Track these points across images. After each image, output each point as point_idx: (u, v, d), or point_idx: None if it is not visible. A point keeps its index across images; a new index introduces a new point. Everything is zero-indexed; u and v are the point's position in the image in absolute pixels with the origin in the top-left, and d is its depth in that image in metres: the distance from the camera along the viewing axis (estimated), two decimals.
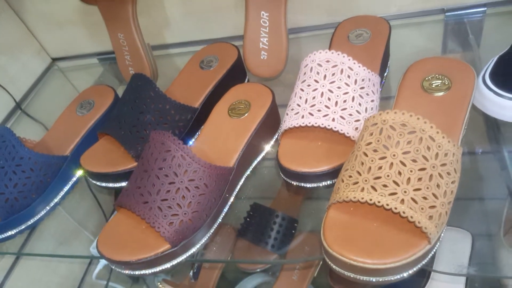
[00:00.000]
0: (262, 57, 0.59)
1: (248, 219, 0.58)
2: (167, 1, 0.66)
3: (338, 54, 0.44)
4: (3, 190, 0.49)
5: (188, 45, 0.72)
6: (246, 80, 0.61)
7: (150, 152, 0.43)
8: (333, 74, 0.44)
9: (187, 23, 0.69)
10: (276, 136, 0.52)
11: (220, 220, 0.46)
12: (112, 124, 0.52)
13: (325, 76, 0.44)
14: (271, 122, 0.51)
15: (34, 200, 0.52)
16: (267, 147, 0.51)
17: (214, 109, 0.52)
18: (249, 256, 0.59)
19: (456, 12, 0.59)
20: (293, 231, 0.58)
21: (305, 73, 0.46)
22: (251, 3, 0.57)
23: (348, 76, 0.44)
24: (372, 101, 0.45)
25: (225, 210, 0.47)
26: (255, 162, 0.51)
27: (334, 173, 0.43)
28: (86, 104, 0.58)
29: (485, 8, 0.58)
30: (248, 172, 0.50)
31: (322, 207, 0.49)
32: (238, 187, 0.48)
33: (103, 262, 0.63)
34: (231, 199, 0.48)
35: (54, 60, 0.81)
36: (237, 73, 0.59)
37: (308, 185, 0.44)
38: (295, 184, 0.45)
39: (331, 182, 0.44)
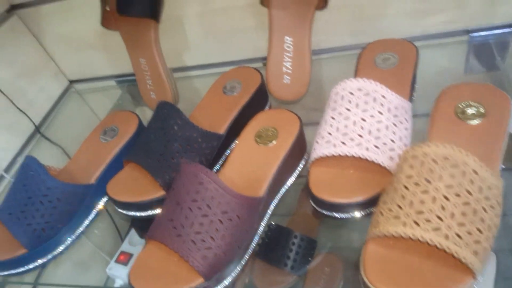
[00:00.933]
0: (285, 81, 0.59)
1: (265, 239, 0.58)
2: (187, 24, 0.67)
3: (371, 83, 0.44)
4: (30, 221, 0.49)
5: (208, 67, 0.72)
6: (268, 103, 0.60)
7: (182, 184, 0.43)
8: (366, 103, 0.44)
9: (207, 46, 0.69)
10: (302, 164, 0.52)
11: (251, 251, 0.46)
12: (139, 152, 0.52)
13: (357, 105, 0.44)
14: (299, 149, 0.50)
15: (60, 230, 0.51)
16: (294, 175, 0.51)
17: (241, 136, 0.51)
18: (268, 277, 0.58)
19: (480, 33, 0.58)
20: (313, 252, 0.57)
21: (335, 101, 0.46)
22: (275, 29, 0.57)
23: (381, 104, 0.44)
24: (406, 129, 0.44)
25: (256, 239, 0.46)
26: (283, 191, 0.50)
27: (368, 204, 0.42)
28: (110, 131, 0.58)
29: (511, 29, 0.58)
30: (276, 201, 0.49)
31: (341, 225, 0.49)
32: (268, 216, 0.48)
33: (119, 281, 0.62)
34: (261, 229, 0.47)
35: (72, 82, 0.81)
36: (260, 98, 0.58)
37: (341, 215, 0.43)
38: (325, 213, 0.45)
39: (364, 213, 0.43)
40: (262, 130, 0.51)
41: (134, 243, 0.52)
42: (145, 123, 0.69)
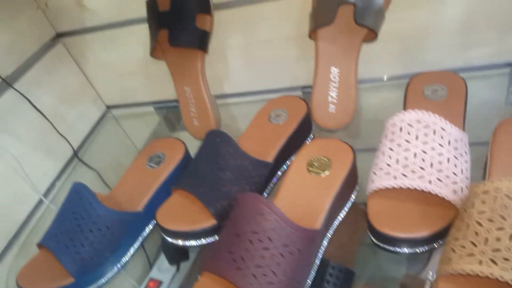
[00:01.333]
0: (330, 110, 0.59)
1: None
2: (229, 54, 0.68)
3: (429, 115, 0.44)
4: (79, 249, 0.48)
5: (247, 95, 0.73)
6: (312, 132, 0.60)
7: (241, 214, 0.42)
8: (426, 135, 0.44)
9: (246, 74, 0.70)
10: (354, 195, 0.51)
11: (309, 285, 0.44)
12: (189, 179, 0.52)
13: (417, 137, 0.44)
14: (352, 180, 0.50)
15: (108, 258, 0.50)
16: (347, 207, 0.50)
17: (292, 165, 0.51)
18: None
19: None
20: (350, 284, 0.56)
21: (393, 132, 0.45)
22: (321, 60, 0.57)
23: (441, 137, 0.44)
24: (466, 161, 0.44)
25: (313, 273, 0.45)
26: (336, 223, 0.49)
27: (433, 239, 0.41)
28: (156, 158, 0.58)
29: None
30: (331, 232, 0.48)
31: (378, 253, 0.48)
32: (323, 250, 0.47)
33: None
34: (317, 262, 0.46)
35: (109, 107, 0.83)
36: (305, 126, 0.58)
37: (404, 251, 0.42)
38: (387, 248, 0.44)
39: (428, 248, 0.42)
40: (314, 159, 0.51)
41: (163, 270, 0.51)
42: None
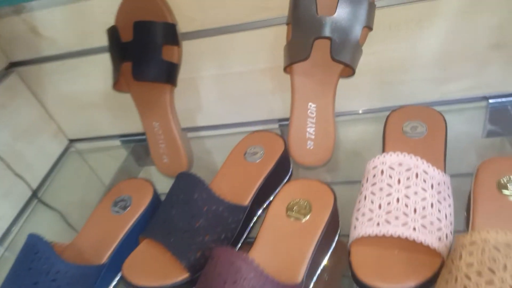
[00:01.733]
0: (308, 147, 0.57)
1: None
2: (201, 85, 0.65)
3: (411, 157, 0.42)
4: None
5: (221, 127, 0.70)
6: (291, 170, 0.58)
7: (217, 273, 0.39)
8: (408, 178, 0.42)
9: (220, 106, 0.67)
10: (335, 241, 0.49)
11: None
12: (159, 228, 0.47)
13: (399, 180, 0.42)
14: (335, 224, 0.47)
15: None
16: (328, 255, 0.48)
17: (270, 210, 0.48)
18: None
19: (499, 100, 0.59)
20: None
21: (374, 175, 0.43)
22: (297, 95, 0.55)
23: (424, 181, 0.42)
24: (450, 206, 0.42)
25: None
26: (318, 273, 0.46)
27: None
28: (121, 202, 0.53)
29: None
30: (311, 285, 0.45)
31: None
32: None
33: None
34: None
35: (72, 141, 0.77)
36: (283, 164, 0.56)
37: None
38: None
39: None
40: (293, 203, 0.48)
41: None
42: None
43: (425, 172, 0.42)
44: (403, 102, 0.62)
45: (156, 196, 0.54)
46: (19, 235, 0.63)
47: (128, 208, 0.52)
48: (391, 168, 0.43)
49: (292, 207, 0.47)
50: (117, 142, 0.75)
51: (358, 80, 0.59)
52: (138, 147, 0.73)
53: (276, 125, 0.69)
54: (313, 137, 0.57)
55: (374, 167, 0.44)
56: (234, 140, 0.71)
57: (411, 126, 0.52)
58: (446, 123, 0.52)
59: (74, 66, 0.65)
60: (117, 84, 0.58)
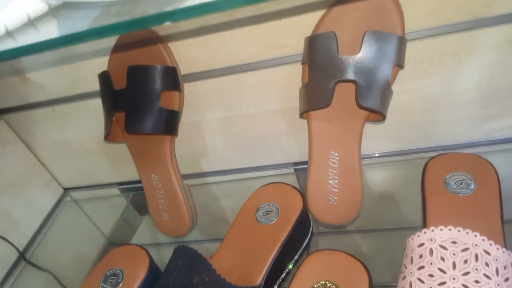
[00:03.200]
0: (330, 202, 0.49)
1: None
2: (206, 128, 0.57)
3: (468, 233, 0.34)
4: None
5: (229, 173, 0.62)
6: (311, 230, 0.50)
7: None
8: (465, 262, 0.33)
9: (228, 151, 0.59)
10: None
11: None
12: None
13: (454, 264, 0.33)
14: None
15: None
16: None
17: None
18: None
19: None
20: None
21: (421, 256, 0.35)
22: (315, 143, 0.47)
23: (486, 264, 0.33)
24: None
25: None
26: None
27: None
28: (112, 276, 0.45)
29: None
30: None
31: None
32: None
33: None
34: None
35: (67, 190, 0.70)
36: (302, 225, 0.47)
37: None
38: None
39: None
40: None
41: None
42: (156, 249, 0.59)
43: (487, 253, 0.33)
44: (436, 143, 0.54)
45: (152, 268, 0.46)
46: None
47: (120, 285, 0.44)
48: (443, 247, 0.34)
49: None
50: (115, 191, 0.67)
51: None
52: (138, 195, 0.66)
53: (291, 170, 0.60)
54: (336, 190, 0.48)
55: (421, 245, 0.35)
56: (243, 186, 0.64)
57: (456, 180, 0.44)
58: (498, 176, 0.43)
59: (66, 112, 0.59)
60: (111, 135, 0.51)
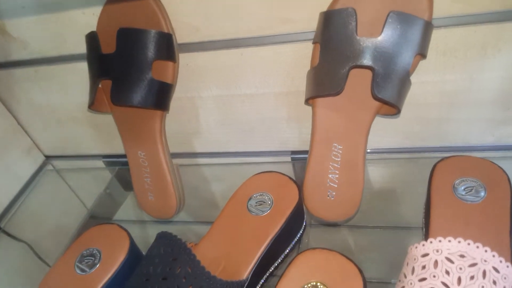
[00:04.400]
0: (328, 197, 0.45)
1: None
2: (201, 105, 0.53)
3: (478, 247, 0.31)
4: None
5: (222, 156, 0.58)
6: (304, 224, 0.46)
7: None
8: (472, 278, 0.30)
9: (223, 132, 0.55)
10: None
11: None
12: None
13: (459, 280, 0.30)
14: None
15: None
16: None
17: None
18: None
19: None
20: None
21: (424, 267, 0.32)
22: (319, 132, 0.43)
23: (494, 282, 0.30)
24: None
25: None
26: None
27: None
28: (89, 257, 0.42)
29: None
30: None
31: None
32: None
33: None
34: None
35: (48, 158, 0.66)
36: (296, 219, 0.44)
37: None
38: None
39: None
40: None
41: None
42: (140, 227, 0.56)
43: (496, 270, 0.30)
44: (447, 143, 0.51)
45: (132, 251, 0.42)
46: None
47: (96, 267, 0.41)
48: (449, 260, 0.31)
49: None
50: (100, 163, 0.63)
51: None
52: (124, 170, 0.62)
53: (288, 158, 0.57)
54: (335, 185, 0.45)
55: (425, 255, 0.32)
56: (236, 171, 0.60)
57: (466, 186, 0.40)
58: (511, 185, 0.40)
59: (50, 73, 0.54)
60: (96, 104, 0.46)
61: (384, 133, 0.51)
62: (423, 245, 0.33)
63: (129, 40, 0.42)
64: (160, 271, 0.36)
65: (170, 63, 0.45)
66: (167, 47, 0.43)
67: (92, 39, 0.43)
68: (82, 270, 0.41)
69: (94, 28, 0.46)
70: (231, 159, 0.59)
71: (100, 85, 0.46)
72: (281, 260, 0.44)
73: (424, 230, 0.41)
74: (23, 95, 0.58)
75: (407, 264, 0.34)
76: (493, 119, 0.48)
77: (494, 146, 0.50)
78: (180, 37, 0.46)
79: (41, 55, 0.52)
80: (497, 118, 0.48)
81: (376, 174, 0.55)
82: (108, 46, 0.43)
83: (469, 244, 0.31)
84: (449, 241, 0.31)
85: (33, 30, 0.50)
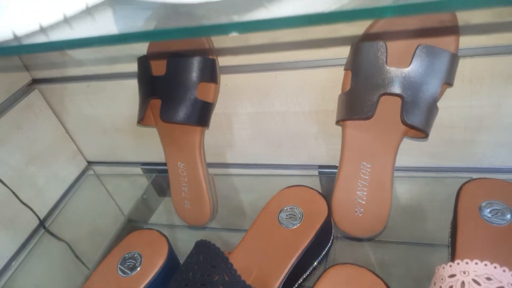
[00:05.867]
0: (356, 213, 0.48)
1: None
2: (235, 121, 0.57)
3: (504, 271, 0.32)
4: None
5: (252, 167, 0.62)
6: (331, 239, 0.49)
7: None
8: None
9: (254, 146, 0.59)
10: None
11: None
12: None
13: None
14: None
15: None
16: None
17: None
18: None
19: None
20: None
21: (451, 287, 0.34)
22: (348, 152, 0.46)
23: None
24: None
25: None
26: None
27: None
28: (131, 260, 0.46)
29: None
30: None
31: None
32: None
33: None
34: None
35: (90, 163, 0.71)
36: (325, 233, 0.47)
37: None
38: None
39: None
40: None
41: None
42: (174, 233, 0.60)
43: None
44: (473, 164, 0.52)
45: (171, 256, 0.46)
46: (18, 271, 0.57)
47: (137, 270, 0.45)
48: (476, 282, 0.33)
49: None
50: (138, 170, 0.68)
51: None
52: (160, 177, 0.66)
53: (315, 172, 0.60)
54: (363, 202, 0.47)
55: (452, 276, 0.34)
56: (265, 182, 0.64)
57: (492, 208, 0.42)
58: None
59: (100, 88, 0.59)
60: (144, 120, 0.51)
61: (411, 152, 0.53)
62: (450, 266, 0.35)
63: (179, 65, 0.46)
64: (199, 277, 0.39)
65: (213, 85, 0.49)
66: (211, 71, 0.48)
67: (144, 62, 0.48)
68: (124, 272, 0.45)
69: (142, 50, 0.51)
70: (260, 171, 0.62)
71: (149, 103, 0.51)
72: (309, 273, 0.46)
73: (450, 249, 0.43)
74: (73, 106, 0.63)
75: (434, 283, 0.36)
76: None
77: None
78: (221, 60, 0.50)
79: (93, 72, 0.57)
80: None
81: (402, 191, 0.57)
82: (158, 69, 0.47)
83: (495, 267, 0.33)
84: (476, 263, 0.33)
85: (88, 52, 0.55)
